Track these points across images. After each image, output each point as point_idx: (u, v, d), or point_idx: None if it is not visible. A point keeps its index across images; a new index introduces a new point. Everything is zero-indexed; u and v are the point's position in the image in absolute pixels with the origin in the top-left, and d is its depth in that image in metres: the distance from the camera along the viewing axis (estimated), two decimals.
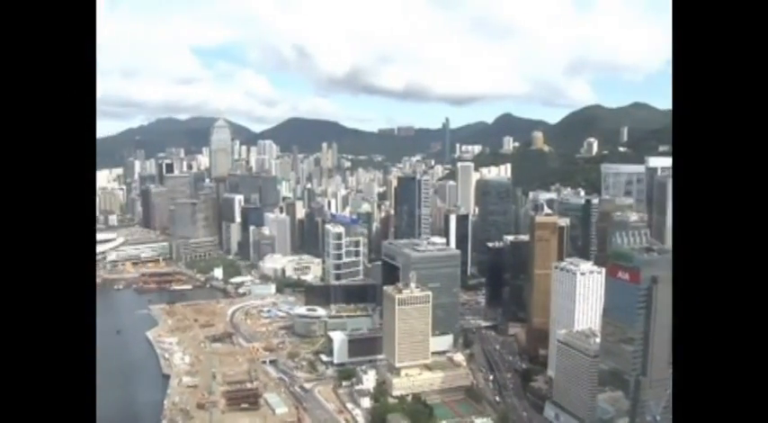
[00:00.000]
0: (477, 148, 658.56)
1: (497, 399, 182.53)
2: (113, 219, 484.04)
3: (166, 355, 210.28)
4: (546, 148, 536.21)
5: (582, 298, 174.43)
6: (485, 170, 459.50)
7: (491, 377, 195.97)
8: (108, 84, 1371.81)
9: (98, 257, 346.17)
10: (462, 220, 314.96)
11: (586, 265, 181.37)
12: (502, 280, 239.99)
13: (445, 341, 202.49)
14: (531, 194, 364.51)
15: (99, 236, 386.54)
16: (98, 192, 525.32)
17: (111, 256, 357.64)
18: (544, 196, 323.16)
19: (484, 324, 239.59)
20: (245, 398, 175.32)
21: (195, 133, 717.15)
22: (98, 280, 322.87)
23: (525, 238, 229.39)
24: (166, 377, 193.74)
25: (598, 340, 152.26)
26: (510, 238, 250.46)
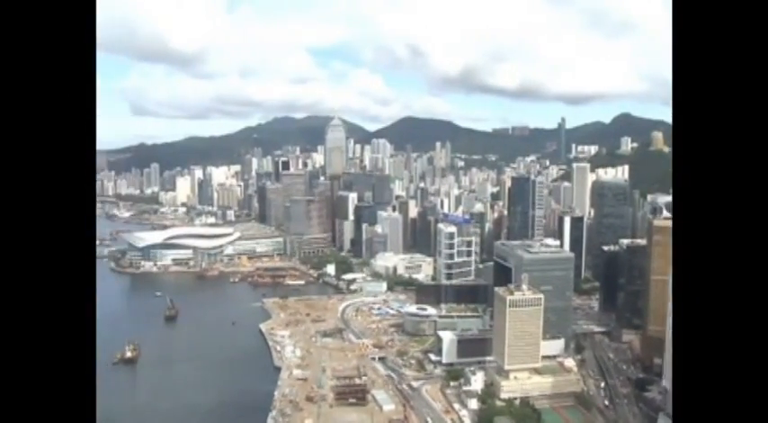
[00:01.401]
0: (593, 149, 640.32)
1: (608, 406, 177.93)
2: (231, 214, 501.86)
3: (278, 348, 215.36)
4: (666, 149, 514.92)
5: None
6: (601, 171, 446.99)
7: (602, 384, 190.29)
8: (227, 84, 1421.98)
9: (215, 251, 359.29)
10: (577, 222, 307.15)
11: None
12: (617, 285, 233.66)
13: (556, 345, 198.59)
14: (649, 197, 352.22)
15: (216, 230, 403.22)
16: (216, 188, 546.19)
17: (228, 250, 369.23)
18: (663, 199, 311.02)
19: (597, 330, 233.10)
20: (353, 393, 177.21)
21: (311, 132, 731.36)
22: (215, 272, 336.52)
23: (642, 242, 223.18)
24: (277, 369, 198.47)
25: None
26: (626, 241, 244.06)
